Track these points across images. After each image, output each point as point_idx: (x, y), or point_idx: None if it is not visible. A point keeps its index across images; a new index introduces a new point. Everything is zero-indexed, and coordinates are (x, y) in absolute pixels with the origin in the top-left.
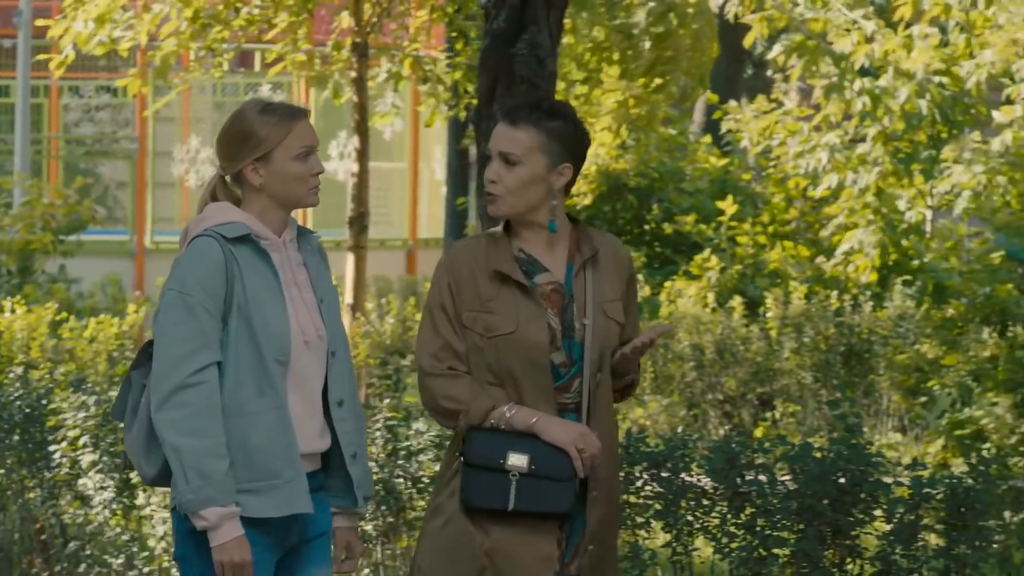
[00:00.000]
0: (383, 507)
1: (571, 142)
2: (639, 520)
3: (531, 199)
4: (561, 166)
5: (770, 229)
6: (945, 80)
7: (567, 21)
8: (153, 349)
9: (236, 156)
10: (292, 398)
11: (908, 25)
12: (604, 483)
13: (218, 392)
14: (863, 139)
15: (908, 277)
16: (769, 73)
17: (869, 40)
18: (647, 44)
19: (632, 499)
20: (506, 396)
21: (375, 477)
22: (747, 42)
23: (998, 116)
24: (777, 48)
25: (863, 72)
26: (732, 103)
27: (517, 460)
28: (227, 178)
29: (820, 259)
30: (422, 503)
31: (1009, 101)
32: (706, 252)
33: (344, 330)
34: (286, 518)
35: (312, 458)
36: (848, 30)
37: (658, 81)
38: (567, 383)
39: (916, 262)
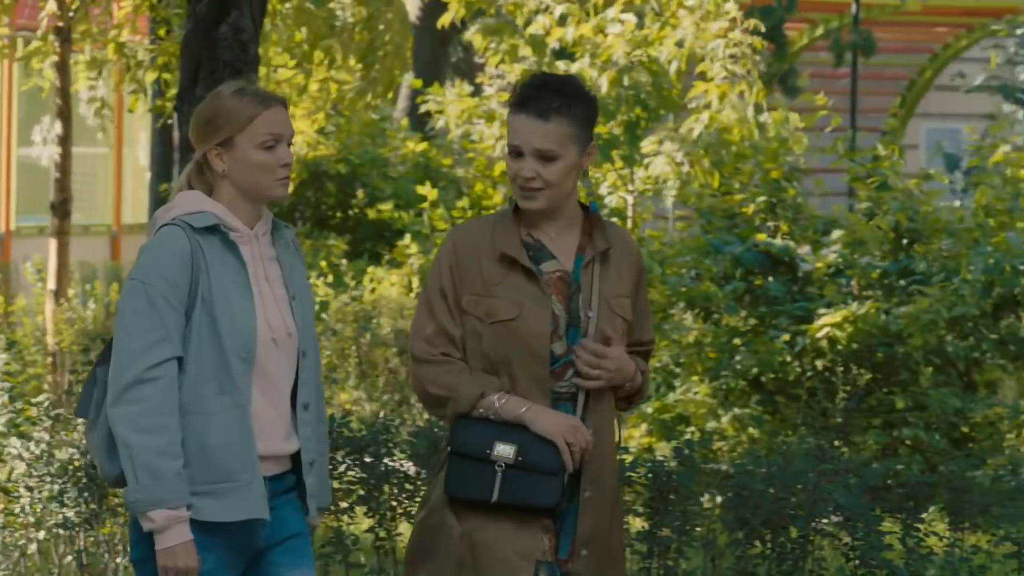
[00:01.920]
0: (86, 494)
1: (592, 121)
2: (342, 505)
3: (568, 187)
4: (588, 147)
5: (468, 214)
6: (644, 59)
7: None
8: (112, 340)
9: (202, 138)
10: (257, 397)
11: (603, 8)
12: (599, 482)
13: (175, 388)
14: None
15: None
16: (476, 58)
17: (561, 23)
18: (350, 24)
19: (336, 484)
20: (498, 384)
21: (76, 464)
22: (442, 22)
23: (695, 99)
24: (472, 30)
25: (558, 55)
26: (436, 86)
27: (503, 450)
28: (203, 166)
29: None
30: None
31: (703, 77)
32: (407, 238)
33: (314, 332)
34: (248, 521)
35: (279, 460)
36: (537, 12)
37: (368, 67)
38: (561, 369)
39: None
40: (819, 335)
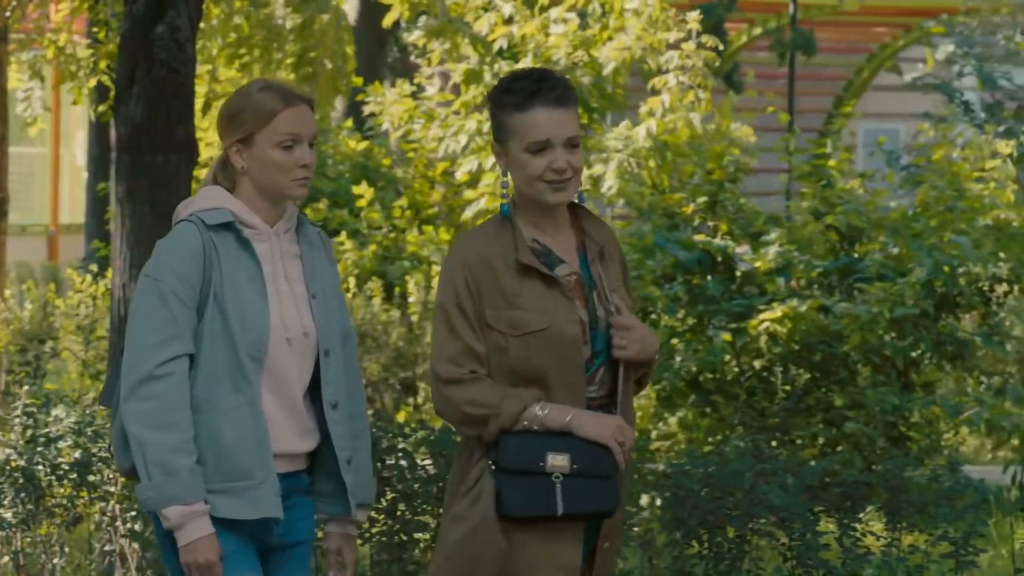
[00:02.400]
0: (23, 494)
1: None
2: None
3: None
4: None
5: (408, 213)
6: (584, 60)
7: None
8: (125, 337)
9: (223, 134)
10: (267, 397)
11: (547, 8)
12: (627, 473)
13: (187, 385)
14: None
15: None
16: (413, 57)
17: (508, 22)
18: (288, 29)
19: None
20: (535, 395)
21: (13, 464)
22: (386, 22)
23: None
24: (417, 32)
25: (501, 54)
26: (377, 86)
27: (558, 461)
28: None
29: None
30: (62, 490)
31: (655, 92)
32: (342, 236)
33: (346, 329)
34: (263, 518)
35: (292, 459)
36: (485, 9)
37: (307, 69)
38: (591, 376)
39: None
40: (759, 330)
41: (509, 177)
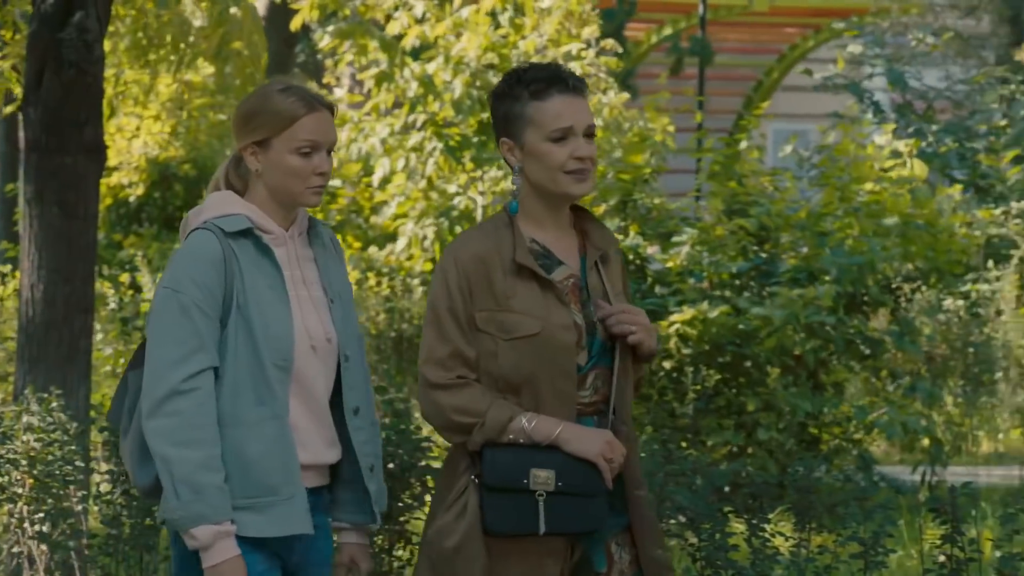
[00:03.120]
0: None
1: None
2: None
3: None
4: None
5: (319, 216)
6: (497, 61)
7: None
8: (146, 350)
9: (239, 135)
10: (296, 407)
11: (458, 8)
12: (640, 482)
13: (213, 400)
14: (417, 126)
15: None
16: (320, 58)
17: (420, 22)
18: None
19: None
20: (520, 405)
21: None
22: (294, 25)
23: None
24: (327, 38)
25: (414, 54)
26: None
27: (541, 477)
28: (240, 161)
29: (372, 249)
30: None
31: None
32: None
33: (359, 331)
34: (288, 536)
35: (319, 471)
36: (397, 7)
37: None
38: (580, 379)
39: None
40: (669, 331)
41: (521, 173)
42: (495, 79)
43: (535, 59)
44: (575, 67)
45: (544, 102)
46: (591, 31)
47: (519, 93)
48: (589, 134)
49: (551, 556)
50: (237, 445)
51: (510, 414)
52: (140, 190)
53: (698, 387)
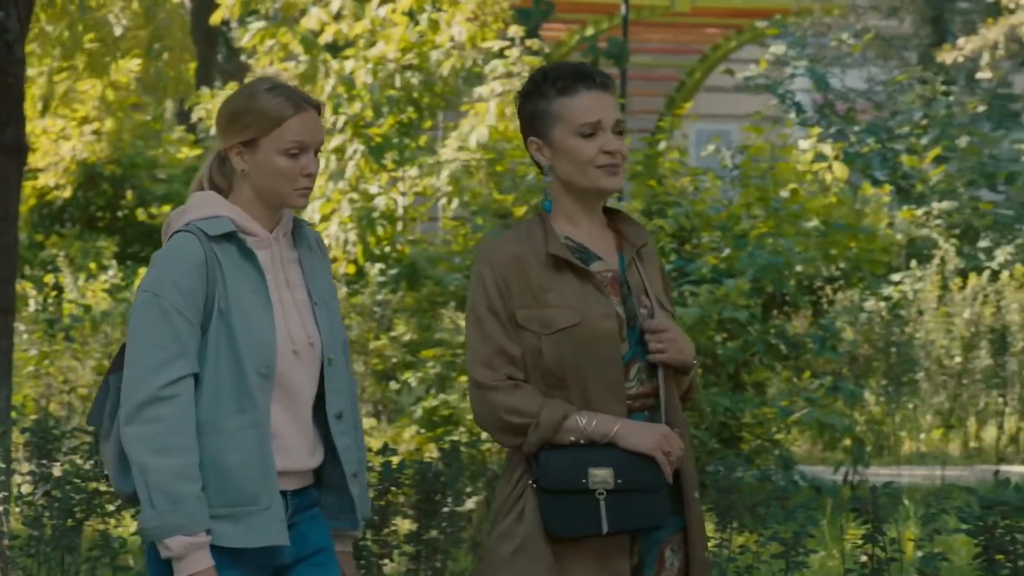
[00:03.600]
0: None
1: None
2: (109, 508)
3: None
4: None
5: None
6: (416, 60)
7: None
8: (125, 356)
9: (224, 134)
10: (278, 413)
11: (377, 7)
12: (694, 479)
13: (192, 407)
14: (338, 127)
15: (383, 265)
16: (243, 58)
17: (337, 18)
18: (120, 31)
19: (102, 487)
20: (569, 400)
21: None
22: (214, 20)
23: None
24: (248, 35)
25: (332, 50)
26: (204, 90)
27: (601, 475)
28: (224, 160)
29: None
30: None
31: (482, 99)
32: None
33: (344, 335)
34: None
35: (302, 475)
36: (315, 3)
37: (138, 68)
38: (625, 368)
39: (394, 248)
40: None
41: (551, 172)
42: (414, 79)
43: (452, 57)
44: (497, 66)
45: (571, 98)
46: (515, 30)
47: (546, 90)
48: (618, 130)
49: (616, 555)
50: (215, 454)
51: (564, 412)
52: (68, 192)
53: None
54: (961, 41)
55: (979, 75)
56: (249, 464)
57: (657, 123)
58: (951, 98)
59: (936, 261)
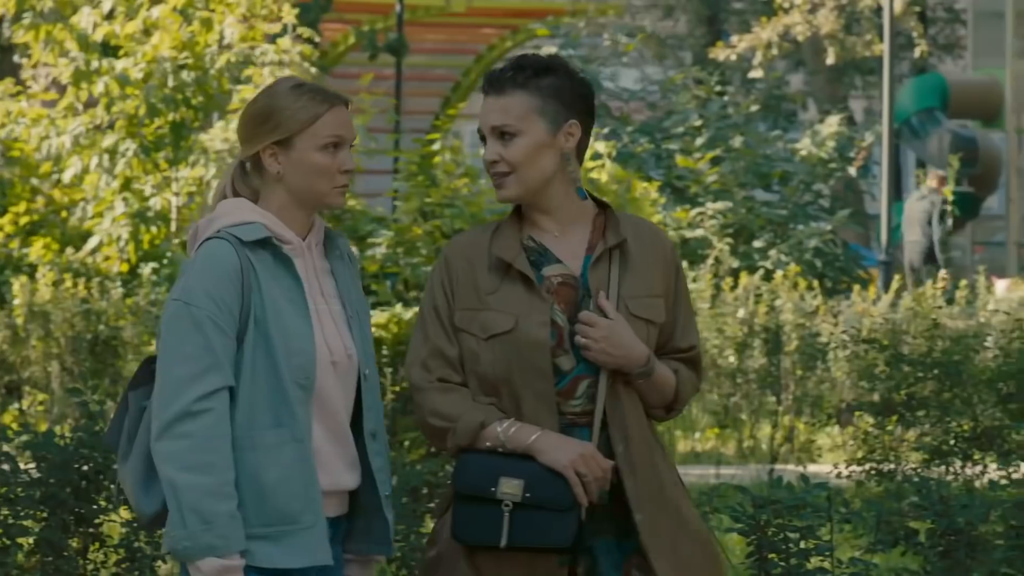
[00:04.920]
0: None
1: (569, 96)
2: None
3: (543, 171)
4: (567, 125)
5: (24, 220)
6: (190, 60)
7: None
8: (156, 368)
9: (254, 137)
10: (317, 428)
11: (150, 7)
12: (645, 501)
13: (227, 421)
14: (110, 124)
15: (156, 265)
16: (17, 57)
17: (108, 17)
18: None
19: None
20: (499, 411)
21: None
22: None
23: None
24: (21, 31)
25: (107, 50)
26: None
27: (509, 487)
28: (248, 167)
29: (69, 251)
30: None
31: (252, 82)
32: None
33: (373, 348)
34: (307, 567)
35: (340, 498)
36: (87, 3)
37: None
38: (569, 387)
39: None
40: None
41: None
42: (188, 78)
43: (225, 55)
44: (269, 50)
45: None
46: (288, 14)
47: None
48: (502, 134)
49: (543, 572)
50: (253, 470)
51: (482, 419)
52: None
53: (396, 388)
54: (734, 39)
55: (752, 74)
56: (289, 480)
57: (433, 123)
58: (726, 98)
59: (710, 261)
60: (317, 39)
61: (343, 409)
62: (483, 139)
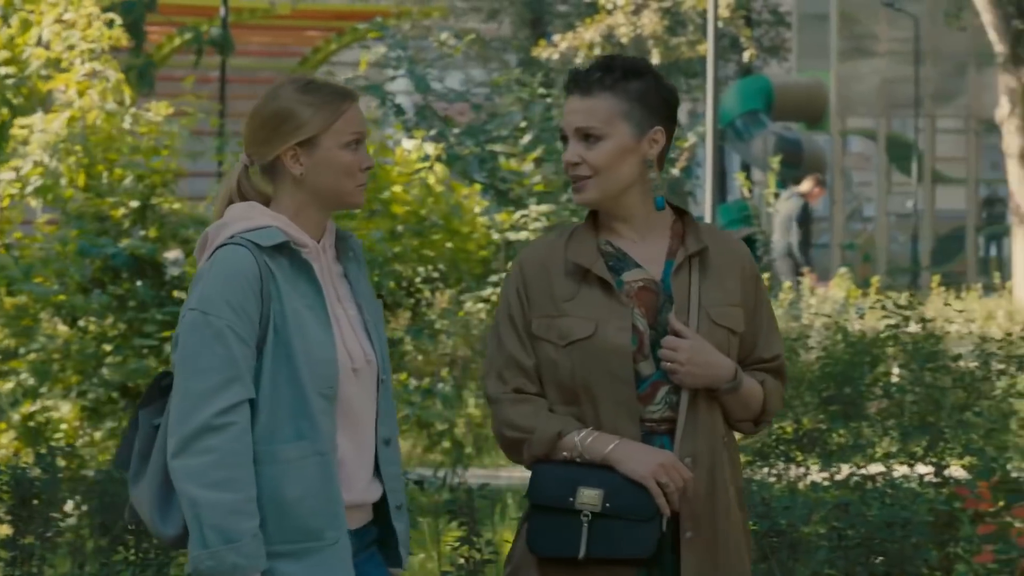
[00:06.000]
0: None
1: (655, 102)
2: None
3: (624, 177)
4: (652, 131)
5: None
6: (8, 58)
7: None
8: (172, 382)
9: (272, 140)
10: (341, 439)
11: None
12: (699, 520)
13: (249, 435)
14: None
15: None
16: None
17: None
18: None
19: None
20: (577, 420)
21: None
22: None
23: (57, 93)
24: None
25: None
26: None
27: (588, 497)
28: (251, 169)
29: None
30: None
31: (63, 69)
32: None
33: (388, 352)
34: None
35: (364, 510)
36: None
37: None
38: (649, 392)
39: None
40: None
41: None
42: (9, 80)
43: (41, 52)
44: (79, 41)
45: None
46: (105, 19)
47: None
48: (586, 137)
49: None
50: (274, 485)
51: (559, 429)
52: None
53: None
54: (556, 38)
55: None
56: (311, 496)
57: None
58: (549, 100)
59: None
60: (116, 20)
61: (367, 418)
62: (564, 139)
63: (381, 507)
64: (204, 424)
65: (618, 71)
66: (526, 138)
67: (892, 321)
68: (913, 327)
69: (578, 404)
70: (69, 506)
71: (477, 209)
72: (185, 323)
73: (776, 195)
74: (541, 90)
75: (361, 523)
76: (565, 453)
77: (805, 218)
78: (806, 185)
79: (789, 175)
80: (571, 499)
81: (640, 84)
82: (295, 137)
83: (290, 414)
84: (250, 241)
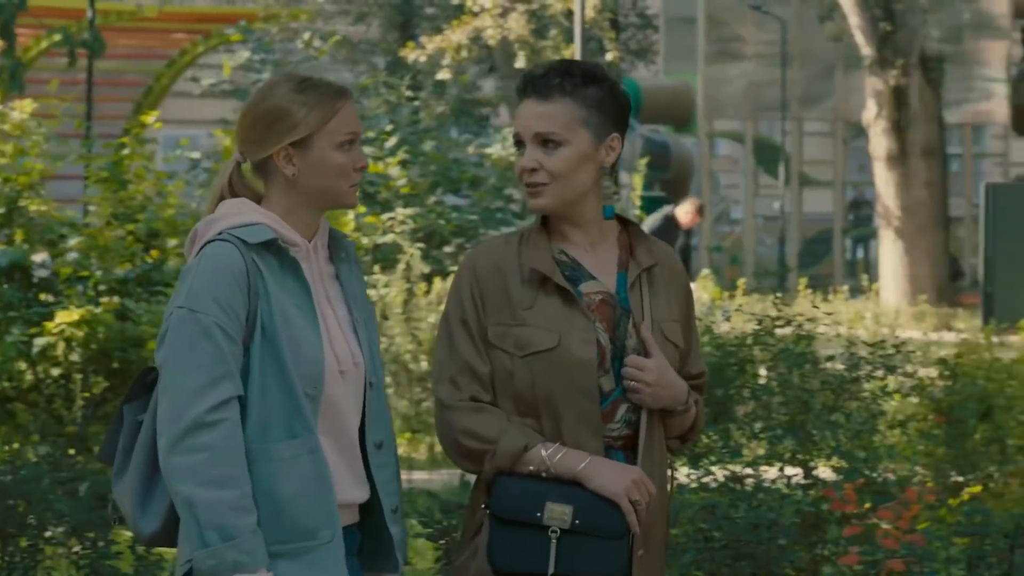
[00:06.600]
0: None
1: (612, 108)
2: None
3: (581, 184)
4: (609, 138)
5: None
6: None
7: None
8: (159, 380)
9: (265, 139)
10: (323, 440)
11: None
12: (651, 539)
13: (240, 432)
14: None
15: None
16: None
17: None
18: None
19: None
20: (541, 430)
21: None
22: None
23: None
24: None
25: None
26: None
27: (557, 513)
28: (244, 167)
29: None
30: None
31: None
32: None
33: (380, 358)
34: None
35: (349, 510)
36: None
37: None
38: (610, 409)
39: None
40: (55, 334)
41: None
42: None
43: None
44: None
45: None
46: None
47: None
48: (545, 142)
49: None
50: (267, 484)
51: (526, 442)
52: None
53: (87, 394)
54: (423, 39)
55: (440, 76)
56: (306, 494)
57: (124, 128)
58: (416, 103)
59: (402, 267)
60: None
61: (352, 420)
62: (518, 144)
63: (370, 512)
64: (195, 421)
65: (577, 76)
66: (392, 140)
67: (759, 325)
68: (781, 331)
69: (537, 417)
70: None
71: (346, 214)
72: (172, 321)
73: (642, 198)
74: (408, 93)
75: (346, 523)
76: (531, 467)
77: (667, 236)
78: (685, 208)
79: (656, 177)
80: (539, 514)
81: (598, 90)
82: (289, 137)
83: (281, 412)
84: (237, 238)
